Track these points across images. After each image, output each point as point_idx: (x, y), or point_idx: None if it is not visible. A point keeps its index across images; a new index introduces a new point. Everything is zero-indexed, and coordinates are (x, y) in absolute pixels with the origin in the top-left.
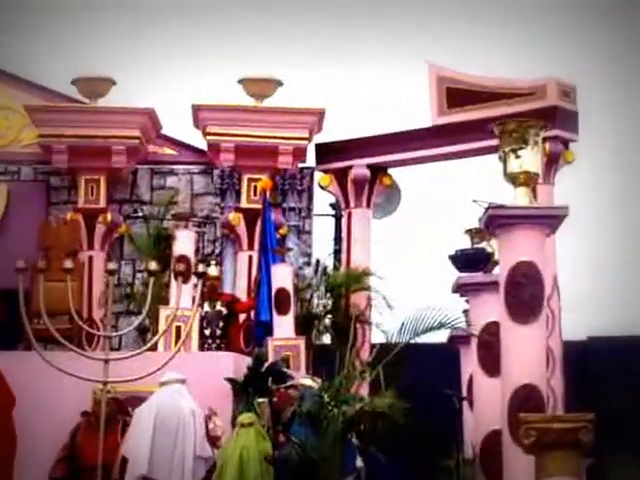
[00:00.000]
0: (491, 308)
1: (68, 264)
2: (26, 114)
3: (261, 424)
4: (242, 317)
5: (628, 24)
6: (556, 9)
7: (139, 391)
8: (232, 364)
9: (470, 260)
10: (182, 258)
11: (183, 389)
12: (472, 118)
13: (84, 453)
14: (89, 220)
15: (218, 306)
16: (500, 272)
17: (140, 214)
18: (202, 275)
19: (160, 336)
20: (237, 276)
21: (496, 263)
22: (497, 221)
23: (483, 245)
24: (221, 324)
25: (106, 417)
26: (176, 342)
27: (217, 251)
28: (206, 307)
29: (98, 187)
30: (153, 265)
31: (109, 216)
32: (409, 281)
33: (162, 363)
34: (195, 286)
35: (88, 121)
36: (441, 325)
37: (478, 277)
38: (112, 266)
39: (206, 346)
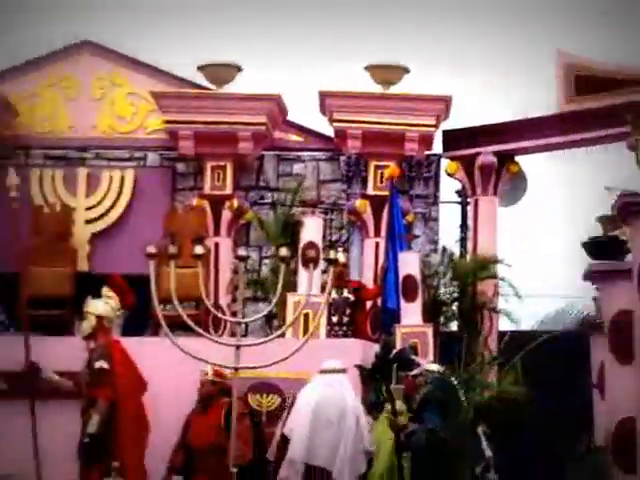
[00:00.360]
0: (623, 296)
1: (199, 250)
2: (152, 100)
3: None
4: (369, 304)
5: None
6: None
7: (268, 377)
8: (360, 351)
9: (603, 247)
10: (310, 244)
11: (344, 379)
12: (601, 105)
13: (193, 437)
14: (215, 206)
15: (345, 293)
16: (633, 259)
17: (267, 201)
18: (334, 262)
19: (292, 323)
20: (364, 263)
21: (629, 251)
22: (630, 209)
23: (616, 233)
24: (348, 311)
25: (207, 397)
26: (304, 329)
27: (343, 238)
28: (333, 294)
29: (224, 173)
30: (284, 251)
31: (235, 202)
32: (536, 269)
33: (294, 349)
34: (323, 272)
35: (214, 107)
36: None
37: (611, 264)
38: (242, 252)
39: (333, 333)
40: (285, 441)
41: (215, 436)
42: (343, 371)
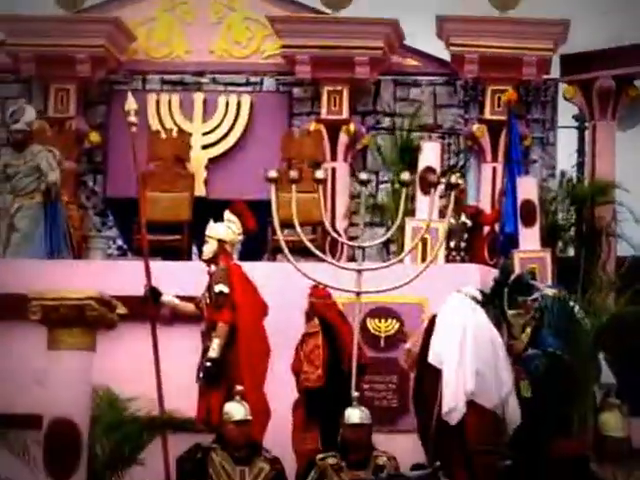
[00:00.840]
0: None
1: (320, 174)
2: (268, 25)
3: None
4: (486, 229)
5: None
6: None
7: (386, 302)
8: (479, 276)
9: None
10: (429, 169)
11: (478, 308)
12: None
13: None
14: (332, 131)
15: (463, 218)
16: None
17: (383, 125)
18: (455, 186)
19: (412, 248)
20: (480, 188)
21: None
22: None
23: None
24: (465, 236)
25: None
26: (422, 254)
27: (460, 163)
28: (451, 219)
29: (341, 98)
30: (406, 175)
31: (352, 127)
32: None
33: (417, 274)
34: (441, 197)
35: (331, 32)
36: None
37: None
38: (364, 176)
39: (450, 258)
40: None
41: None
42: (478, 301)
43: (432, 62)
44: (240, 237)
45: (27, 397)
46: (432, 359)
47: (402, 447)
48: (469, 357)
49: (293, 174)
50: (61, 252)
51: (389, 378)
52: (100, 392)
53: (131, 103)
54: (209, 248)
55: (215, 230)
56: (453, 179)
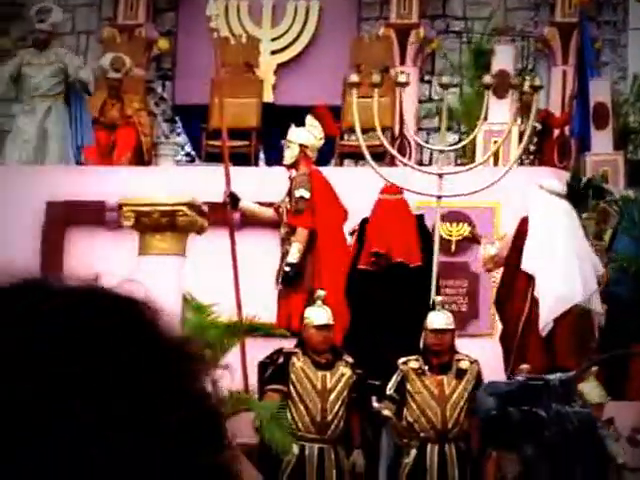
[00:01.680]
0: None
1: (402, 78)
2: None
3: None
4: (556, 132)
5: None
6: None
7: (459, 206)
8: (550, 179)
9: None
10: (502, 72)
11: (565, 204)
12: None
13: None
14: (401, 36)
15: (531, 122)
16: None
17: (453, 29)
18: (538, 89)
19: (494, 151)
20: (550, 91)
21: None
22: None
23: None
24: (535, 139)
25: None
26: (495, 157)
27: (530, 66)
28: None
29: (410, 2)
30: (488, 78)
31: (421, 31)
32: None
33: (498, 177)
34: (518, 100)
35: None
36: None
37: None
38: (446, 80)
39: (520, 162)
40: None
41: None
42: (559, 195)
43: None
44: (321, 142)
45: None
46: (526, 266)
47: (472, 351)
48: (564, 264)
49: (376, 78)
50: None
51: (460, 282)
52: (185, 297)
53: (212, 8)
54: (291, 153)
55: (297, 135)
56: (537, 82)
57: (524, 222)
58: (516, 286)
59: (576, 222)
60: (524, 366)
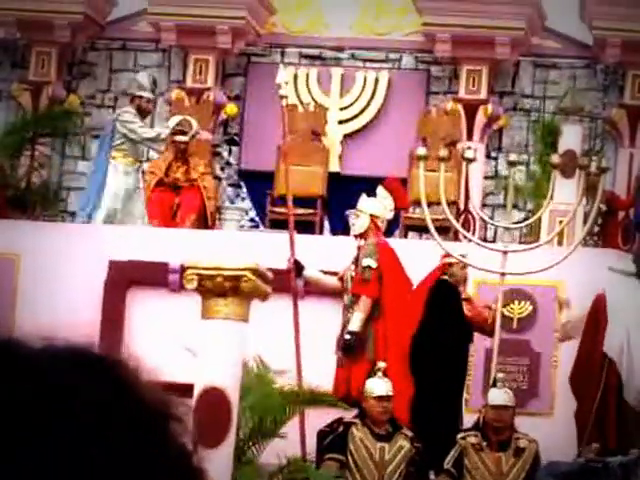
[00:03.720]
0: None
1: (469, 154)
2: (409, 1)
3: None
4: (621, 214)
5: None
6: None
7: (521, 284)
8: (614, 261)
9: None
10: (568, 152)
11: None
12: None
13: None
14: (469, 111)
15: (597, 203)
16: None
17: (521, 107)
18: (604, 171)
19: (559, 231)
20: (617, 173)
21: None
22: None
23: None
24: (599, 221)
25: None
26: (559, 237)
27: (597, 147)
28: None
29: (479, 78)
30: (556, 158)
31: (490, 107)
32: None
33: (562, 258)
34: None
35: (473, 11)
36: None
37: None
38: (513, 157)
39: (584, 242)
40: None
41: None
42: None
43: (573, 45)
44: (391, 213)
45: (178, 365)
46: (609, 349)
47: (530, 430)
48: None
49: (443, 152)
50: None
51: (520, 360)
52: (251, 364)
53: (282, 76)
54: (361, 222)
55: (368, 205)
56: (604, 163)
57: (598, 301)
58: (593, 367)
59: None
60: (594, 445)
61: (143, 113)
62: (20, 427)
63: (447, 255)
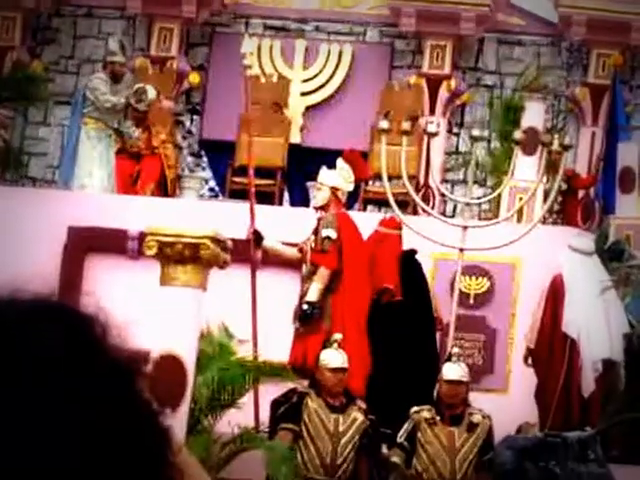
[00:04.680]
0: None
1: (432, 128)
2: None
3: None
4: (581, 193)
5: None
6: None
7: (479, 261)
8: (573, 239)
9: None
10: (530, 129)
11: (596, 262)
12: None
13: None
14: (432, 86)
15: (558, 181)
16: None
17: (485, 83)
18: (567, 148)
19: (518, 208)
20: (578, 152)
21: None
22: None
23: None
24: (560, 199)
25: None
26: (519, 214)
27: (560, 125)
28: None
29: (444, 53)
30: (518, 134)
31: (453, 83)
32: None
33: (522, 234)
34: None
35: None
36: None
37: None
38: (476, 132)
39: (543, 220)
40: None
41: None
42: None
43: (537, 22)
44: (352, 185)
45: (135, 331)
46: (567, 329)
47: (485, 406)
48: (604, 326)
49: (406, 126)
50: None
51: (476, 336)
52: (212, 332)
53: (247, 46)
54: (322, 195)
55: (329, 177)
56: (566, 141)
57: (557, 281)
58: (554, 345)
59: (606, 278)
60: (529, 422)
61: (117, 78)
62: None
63: (386, 223)
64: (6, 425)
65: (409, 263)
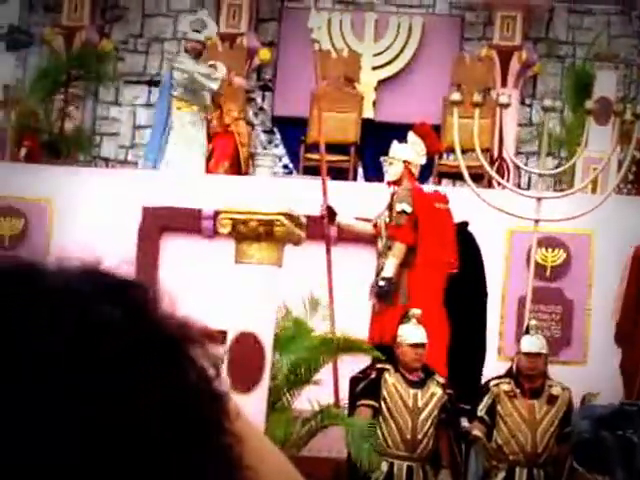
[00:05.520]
0: None
1: (504, 99)
2: None
3: None
4: None
5: None
6: None
7: (555, 232)
8: None
9: None
10: (602, 99)
11: None
12: None
13: None
14: (503, 57)
15: (631, 150)
16: None
17: (556, 53)
18: (639, 117)
19: (590, 181)
20: None
21: None
22: None
23: None
24: (633, 169)
25: None
26: (593, 185)
27: (632, 95)
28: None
29: (514, 24)
30: (590, 104)
31: (524, 54)
32: None
33: (596, 205)
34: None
35: None
36: None
37: None
38: (547, 103)
39: (617, 191)
40: None
41: None
42: None
43: None
44: (424, 159)
45: (212, 311)
46: None
47: (564, 378)
48: None
49: (478, 98)
50: None
51: (554, 308)
52: (289, 309)
53: (315, 20)
54: (394, 169)
55: (401, 151)
56: (639, 110)
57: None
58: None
59: None
60: (592, 393)
61: (197, 57)
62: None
63: (438, 198)
64: (4, 419)
65: (462, 235)
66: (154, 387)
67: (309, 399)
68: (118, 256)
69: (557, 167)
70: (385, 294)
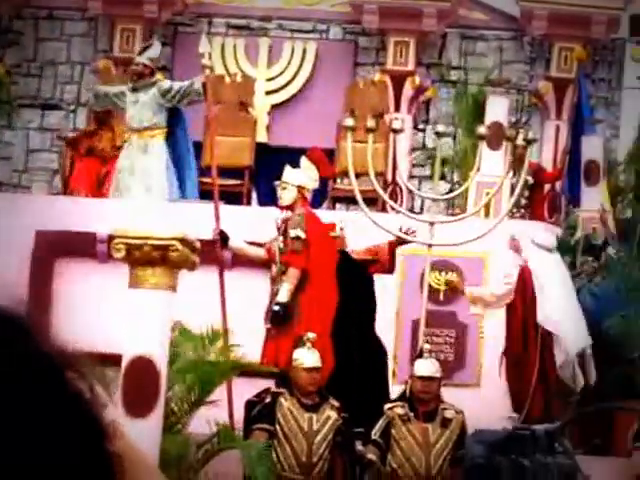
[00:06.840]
0: None
1: (397, 124)
2: None
3: None
4: (547, 187)
5: None
6: None
7: (449, 256)
8: (541, 233)
9: None
10: (495, 124)
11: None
12: None
13: None
14: (397, 82)
15: (523, 175)
16: None
17: (449, 78)
18: (531, 142)
19: (485, 203)
20: (543, 146)
21: None
22: None
23: None
24: (526, 193)
25: None
26: (486, 209)
27: (524, 119)
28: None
29: (407, 49)
30: (482, 129)
31: (417, 79)
32: None
33: (488, 229)
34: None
35: None
36: None
37: None
38: (440, 128)
39: (510, 215)
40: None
41: None
42: (550, 250)
43: (500, 17)
44: (317, 183)
45: (107, 335)
46: (543, 321)
47: (457, 401)
48: (579, 318)
49: (371, 123)
50: None
51: (447, 332)
52: (178, 331)
53: (204, 45)
54: (288, 194)
55: (294, 176)
56: (530, 135)
57: (525, 272)
58: (528, 339)
59: (567, 274)
60: (515, 415)
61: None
62: None
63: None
64: None
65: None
66: (21, 408)
67: (207, 421)
68: (10, 281)
69: (450, 191)
70: (280, 318)
